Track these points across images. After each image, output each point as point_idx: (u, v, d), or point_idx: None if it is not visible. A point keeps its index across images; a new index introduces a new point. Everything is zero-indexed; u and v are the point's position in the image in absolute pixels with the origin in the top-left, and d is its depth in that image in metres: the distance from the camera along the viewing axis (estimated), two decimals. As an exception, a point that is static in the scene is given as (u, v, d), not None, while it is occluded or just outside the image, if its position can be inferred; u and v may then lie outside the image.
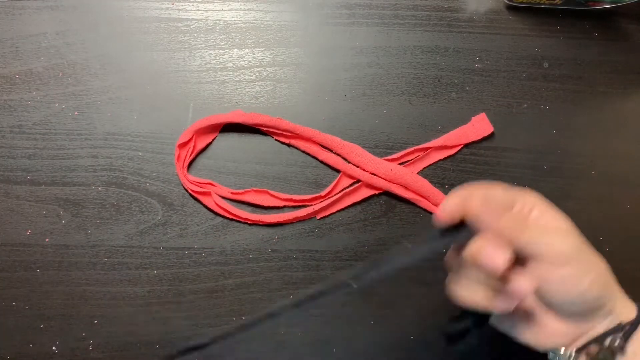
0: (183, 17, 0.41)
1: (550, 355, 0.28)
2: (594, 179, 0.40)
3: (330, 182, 0.39)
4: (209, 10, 0.41)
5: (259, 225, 0.38)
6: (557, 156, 0.40)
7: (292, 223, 0.38)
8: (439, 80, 0.41)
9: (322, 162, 0.39)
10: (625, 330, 0.26)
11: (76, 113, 0.39)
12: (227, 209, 0.37)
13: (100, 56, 0.40)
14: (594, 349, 0.27)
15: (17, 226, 0.37)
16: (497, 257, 0.24)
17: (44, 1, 0.40)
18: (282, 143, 0.39)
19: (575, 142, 0.40)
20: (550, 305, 0.27)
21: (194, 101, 0.39)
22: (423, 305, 0.38)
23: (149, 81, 0.39)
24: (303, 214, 0.38)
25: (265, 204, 0.38)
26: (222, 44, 0.40)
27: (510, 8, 0.42)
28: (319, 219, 0.38)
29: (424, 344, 0.37)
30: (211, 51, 0.40)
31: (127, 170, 0.38)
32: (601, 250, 0.26)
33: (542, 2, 0.41)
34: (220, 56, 0.40)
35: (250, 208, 0.38)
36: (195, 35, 0.40)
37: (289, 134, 0.39)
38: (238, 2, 0.41)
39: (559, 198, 0.29)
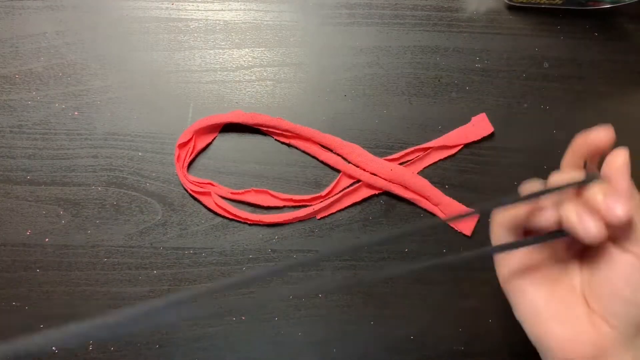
0: (183, 17, 0.41)
1: None
2: (594, 179, 0.39)
3: (330, 182, 0.39)
4: (209, 10, 0.41)
5: (259, 225, 0.38)
6: (557, 156, 0.40)
7: (292, 223, 0.38)
8: (439, 80, 0.41)
9: (322, 162, 0.39)
10: None
11: (76, 113, 0.39)
12: (227, 209, 0.37)
13: (100, 56, 0.40)
14: None
15: (17, 226, 0.37)
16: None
17: (44, 1, 0.40)
18: (282, 143, 0.39)
19: (575, 142, 0.40)
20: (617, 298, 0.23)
21: (194, 101, 0.39)
22: (423, 305, 0.38)
23: (149, 81, 0.39)
24: (303, 214, 0.38)
25: (265, 204, 0.38)
26: (222, 44, 0.40)
27: (510, 8, 0.42)
28: (319, 219, 0.38)
29: (424, 344, 0.37)
30: (211, 51, 0.40)
31: (127, 170, 0.38)
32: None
33: (542, 2, 0.41)
34: (220, 56, 0.40)
35: (250, 208, 0.38)
36: (195, 35, 0.40)
37: (289, 134, 0.39)
38: (238, 2, 0.41)
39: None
